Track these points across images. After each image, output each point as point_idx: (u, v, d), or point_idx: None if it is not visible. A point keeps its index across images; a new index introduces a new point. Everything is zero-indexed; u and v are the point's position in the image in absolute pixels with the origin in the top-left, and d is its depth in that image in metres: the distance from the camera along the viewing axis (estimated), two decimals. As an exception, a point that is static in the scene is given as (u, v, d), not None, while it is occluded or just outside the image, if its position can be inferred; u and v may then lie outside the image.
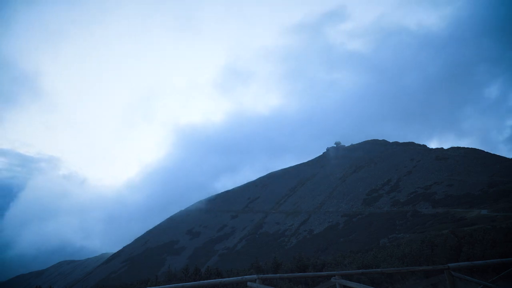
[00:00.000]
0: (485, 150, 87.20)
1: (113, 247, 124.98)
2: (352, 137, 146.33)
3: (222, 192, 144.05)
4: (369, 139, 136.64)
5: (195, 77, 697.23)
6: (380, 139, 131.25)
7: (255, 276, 7.19)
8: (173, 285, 6.70)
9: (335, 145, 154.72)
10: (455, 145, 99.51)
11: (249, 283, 7.05)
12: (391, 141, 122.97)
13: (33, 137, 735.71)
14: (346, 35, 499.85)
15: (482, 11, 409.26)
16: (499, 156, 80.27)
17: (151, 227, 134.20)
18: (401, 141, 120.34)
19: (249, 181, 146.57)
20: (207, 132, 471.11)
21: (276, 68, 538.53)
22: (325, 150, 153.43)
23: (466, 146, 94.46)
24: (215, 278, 16.97)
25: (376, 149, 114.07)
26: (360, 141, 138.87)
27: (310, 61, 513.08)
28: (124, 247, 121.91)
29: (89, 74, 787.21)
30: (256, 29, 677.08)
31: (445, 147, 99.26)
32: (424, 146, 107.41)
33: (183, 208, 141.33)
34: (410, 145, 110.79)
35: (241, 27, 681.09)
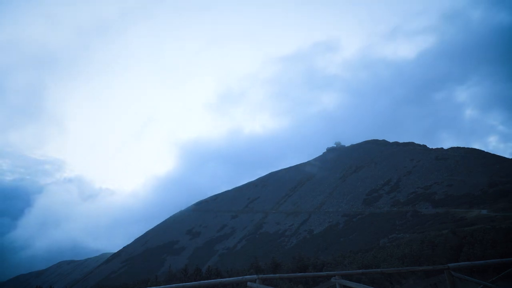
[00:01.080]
0: (485, 150, 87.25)
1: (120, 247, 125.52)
2: (349, 140, 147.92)
3: (222, 192, 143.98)
4: (369, 139, 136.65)
5: (196, 98, 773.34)
6: (380, 139, 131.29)
7: (255, 276, 7.19)
8: (173, 285, 6.71)
9: (335, 145, 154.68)
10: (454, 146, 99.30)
11: (249, 283, 7.06)
12: (391, 141, 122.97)
13: (38, 140, 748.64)
14: (333, 63, 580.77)
15: (448, 42, 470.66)
16: (499, 156, 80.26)
17: (151, 227, 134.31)
18: (400, 141, 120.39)
19: (249, 181, 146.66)
20: (208, 147, 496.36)
21: (267, 90, 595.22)
22: (325, 150, 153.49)
23: (465, 146, 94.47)
24: (215, 278, 16.98)
25: (376, 149, 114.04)
26: (360, 141, 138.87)
27: (297, 84, 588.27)
28: (124, 247, 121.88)
29: (98, 94, 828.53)
30: (249, 57, 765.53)
31: (445, 147, 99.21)
32: (424, 146, 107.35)
33: (183, 208, 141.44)
34: (410, 145, 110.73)
35: (234, 57, 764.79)
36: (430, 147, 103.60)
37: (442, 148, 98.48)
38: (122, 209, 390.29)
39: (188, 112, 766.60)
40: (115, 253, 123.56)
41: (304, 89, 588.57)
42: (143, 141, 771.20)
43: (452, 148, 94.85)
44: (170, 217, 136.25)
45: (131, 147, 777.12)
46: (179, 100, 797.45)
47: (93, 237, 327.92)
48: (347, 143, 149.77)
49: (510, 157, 78.24)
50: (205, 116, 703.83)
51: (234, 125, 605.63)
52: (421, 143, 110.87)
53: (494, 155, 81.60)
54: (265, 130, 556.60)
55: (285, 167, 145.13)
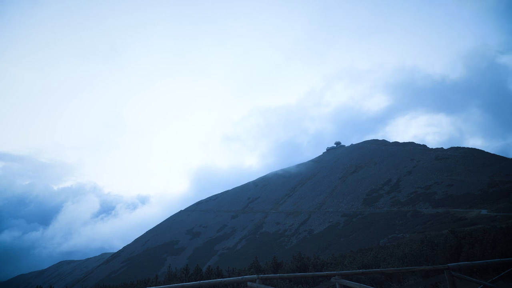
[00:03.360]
0: (485, 151, 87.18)
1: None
2: (349, 140, 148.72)
3: (222, 192, 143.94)
4: (369, 139, 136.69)
5: (202, 137, 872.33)
6: (380, 139, 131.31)
7: (255, 276, 7.20)
8: (173, 285, 6.71)
9: (335, 145, 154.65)
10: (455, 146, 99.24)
11: (249, 283, 7.06)
12: (391, 141, 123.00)
13: (45, 144, 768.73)
14: (317, 113, 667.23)
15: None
16: (499, 156, 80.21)
17: (151, 227, 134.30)
18: (401, 141, 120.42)
19: (249, 181, 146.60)
20: (215, 177, 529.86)
21: (258, 132, 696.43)
22: (325, 150, 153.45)
23: (466, 146, 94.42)
24: (215, 278, 16.98)
25: (376, 149, 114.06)
26: (360, 141, 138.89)
27: (279, 128, 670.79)
28: (124, 247, 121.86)
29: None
30: (244, 106, 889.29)
31: (445, 147, 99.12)
32: (424, 146, 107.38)
33: (183, 208, 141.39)
34: (410, 145, 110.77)
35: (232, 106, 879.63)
36: (430, 147, 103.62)
37: (442, 148, 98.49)
38: (135, 219, 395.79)
39: (196, 147, 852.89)
40: (115, 253, 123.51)
41: (284, 132, 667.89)
42: (150, 159, 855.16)
43: (452, 148, 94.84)
44: (170, 217, 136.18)
45: (139, 160, 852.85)
46: (187, 138, 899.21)
47: (100, 239, 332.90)
48: (347, 143, 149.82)
49: (510, 157, 77.99)
50: (210, 151, 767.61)
51: (235, 160, 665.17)
52: (421, 143, 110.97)
53: (494, 155, 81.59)
54: (258, 165, 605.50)
55: (284, 167, 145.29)
